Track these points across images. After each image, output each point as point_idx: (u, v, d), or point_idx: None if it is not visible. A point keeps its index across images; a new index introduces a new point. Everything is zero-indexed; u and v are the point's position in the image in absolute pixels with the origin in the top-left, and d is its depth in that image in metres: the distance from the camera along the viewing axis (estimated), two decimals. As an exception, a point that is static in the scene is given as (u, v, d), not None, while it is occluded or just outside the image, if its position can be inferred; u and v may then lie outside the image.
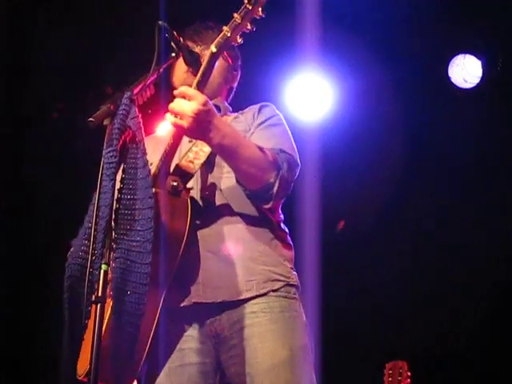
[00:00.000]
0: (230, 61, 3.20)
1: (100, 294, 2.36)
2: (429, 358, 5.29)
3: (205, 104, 2.66)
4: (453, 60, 5.35)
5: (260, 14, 2.75)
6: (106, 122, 2.53)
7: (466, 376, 5.33)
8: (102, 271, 2.38)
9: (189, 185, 2.86)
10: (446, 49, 5.37)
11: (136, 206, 2.51)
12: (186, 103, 2.65)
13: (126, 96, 2.59)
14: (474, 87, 5.33)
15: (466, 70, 5.33)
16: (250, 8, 2.74)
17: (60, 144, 5.58)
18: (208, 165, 2.94)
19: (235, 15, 2.75)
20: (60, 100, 5.69)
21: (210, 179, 2.95)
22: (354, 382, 5.38)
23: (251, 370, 2.78)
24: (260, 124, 3.06)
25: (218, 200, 2.92)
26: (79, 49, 5.35)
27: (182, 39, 3.01)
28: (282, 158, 2.91)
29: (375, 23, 5.28)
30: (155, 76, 2.78)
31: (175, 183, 2.80)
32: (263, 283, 2.87)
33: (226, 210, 2.91)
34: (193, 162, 2.89)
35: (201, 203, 2.89)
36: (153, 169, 2.81)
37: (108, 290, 2.42)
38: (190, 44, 3.18)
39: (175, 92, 2.71)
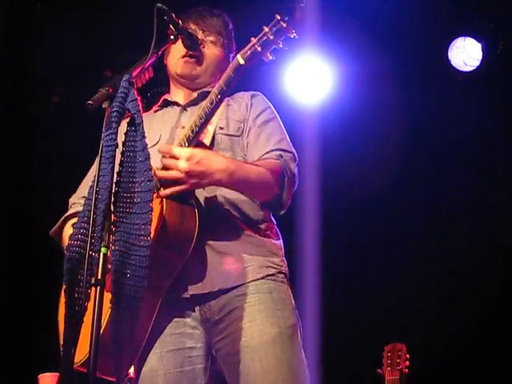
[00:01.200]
0: (226, 51, 3.21)
1: (99, 277, 2.36)
2: (428, 340, 5.30)
3: (191, 158, 2.69)
4: (453, 43, 5.33)
5: (294, 35, 2.71)
6: (104, 105, 2.53)
7: (466, 360, 5.34)
8: (101, 254, 2.38)
9: None
10: (445, 32, 5.36)
11: (135, 189, 2.51)
12: (176, 164, 2.69)
13: (124, 79, 2.58)
14: (474, 70, 5.31)
15: (466, 53, 5.31)
16: (285, 26, 2.70)
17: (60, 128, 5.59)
18: None
19: (266, 29, 2.72)
20: (60, 84, 5.69)
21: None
22: (353, 364, 5.40)
23: (240, 349, 2.81)
24: (256, 118, 3.09)
25: (217, 194, 2.95)
26: (78, 33, 5.34)
27: (181, 22, 3.00)
28: (285, 163, 2.97)
29: (375, 6, 5.26)
30: (154, 59, 2.77)
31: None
32: (258, 268, 2.92)
33: (224, 204, 2.95)
34: None
35: (201, 198, 2.93)
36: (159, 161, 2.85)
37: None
38: (193, 27, 3.18)
39: (160, 149, 2.75)
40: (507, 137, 5.33)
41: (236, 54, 3.11)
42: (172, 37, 2.95)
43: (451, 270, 5.49)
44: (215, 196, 2.95)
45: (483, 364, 5.31)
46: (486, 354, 5.30)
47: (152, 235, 2.69)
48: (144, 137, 2.59)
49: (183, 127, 3.06)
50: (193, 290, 2.87)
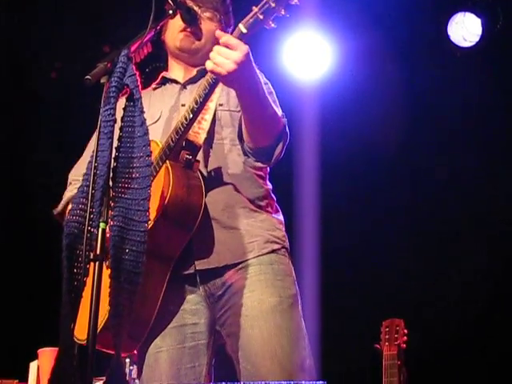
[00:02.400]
0: (223, 26, 3.19)
1: (98, 252, 2.37)
2: (426, 316, 5.32)
3: (247, 55, 2.65)
4: (452, 18, 5.31)
5: (296, 2, 2.67)
6: (103, 80, 2.52)
7: (464, 335, 5.37)
8: (100, 229, 2.38)
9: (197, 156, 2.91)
10: (445, 7, 5.33)
11: (134, 164, 2.51)
12: (230, 52, 2.64)
13: (123, 54, 2.57)
14: (474, 46, 5.29)
15: (465, 29, 5.29)
16: None
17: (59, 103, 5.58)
18: (208, 133, 2.97)
19: None
20: (58, 59, 5.68)
21: (211, 148, 2.99)
22: (351, 339, 5.42)
23: (241, 319, 2.84)
24: None
25: (220, 170, 2.96)
26: (77, 8, 5.32)
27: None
28: (285, 122, 2.96)
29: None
30: (152, 33, 2.75)
31: (189, 157, 2.84)
32: (264, 244, 2.95)
33: (227, 180, 2.96)
34: (198, 133, 2.92)
35: (205, 174, 2.94)
36: (161, 138, 2.88)
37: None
38: (189, 3, 3.15)
39: (221, 35, 2.68)
40: (507, 112, 5.32)
41: (229, 29, 3.13)
42: (170, 11, 2.93)
43: (451, 247, 5.49)
44: (219, 171, 2.96)
45: (481, 340, 5.33)
46: (484, 331, 5.32)
47: (159, 208, 2.71)
48: (142, 112, 2.59)
49: (183, 105, 3.05)
50: (199, 265, 2.89)
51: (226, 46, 2.65)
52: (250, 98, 2.79)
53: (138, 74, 2.62)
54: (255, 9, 2.70)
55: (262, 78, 3.10)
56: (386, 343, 4.28)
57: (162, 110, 3.11)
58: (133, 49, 2.65)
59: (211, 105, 2.98)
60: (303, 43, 5.51)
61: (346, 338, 5.48)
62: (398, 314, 4.42)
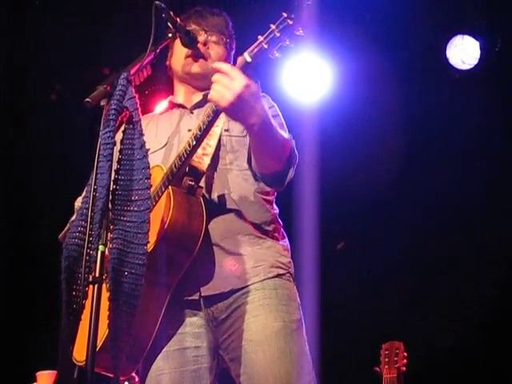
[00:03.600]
0: (229, 50, 3.21)
1: (97, 275, 2.36)
2: (425, 339, 5.30)
3: (247, 87, 2.65)
4: (451, 41, 5.33)
5: (301, 33, 2.71)
6: (102, 103, 2.53)
7: (463, 358, 5.35)
8: (99, 252, 2.38)
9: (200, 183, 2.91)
10: (444, 30, 5.35)
11: (133, 187, 2.51)
12: (230, 82, 2.65)
13: (122, 76, 2.58)
14: (472, 68, 5.31)
15: (464, 51, 5.31)
16: (291, 23, 2.69)
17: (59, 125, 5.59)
18: (213, 158, 2.98)
19: (272, 26, 2.70)
20: (58, 81, 5.69)
21: (216, 173, 2.99)
22: (351, 362, 5.41)
23: (245, 343, 2.83)
24: None
25: (225, 196, 2.97)
26: (77, 30, 5.34)
27: (179, 20, 3.00)
28: (293, 145, 2.97)
29: (373, 4, 5.25)
30: (152, 56, 2.77)
31: (192, 183, 2.84)
32: (269, 268, 2.94)
33: (231, 205, 2.96)
34: (202, 159, 2.93)
35: (210, 200, 2.94)
36: (168, 164, 2.88)
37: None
38: (194, 27, 3.17)
39: (219, 67, 2.69)
40: (505, 135, 5.33)
41: (235, 52, 3.14)
42: (170, 34, 2.95)
43: (450, 269, 5.49)
44: (224, 197, 2.96)
45: (481, 362, 5.31)
46: (484, 353, 5.31)
47: (159, 232, 2.71)
48: (142, 134, 2.59)
49: (190, 130, 3.05)
50: (205, 291, 2.89)
51: (228, 76, 2.66)
52: (255, 129, 2.77)
53: (137, 96, 2.63)
54: (261, 38, 2.72)
55: (268, 102, 3.11)
56: (386, 366, 4.27)
57: (168, 135, 3.12)
58: (132, 72, 2.66)
59: (216, 130, 2.99)
60: (302, 65, 5.53)
61: (345, 361, 5.46)
62: (397, 336, 4.41)
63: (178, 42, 3.14)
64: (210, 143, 2.94)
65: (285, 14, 2.71)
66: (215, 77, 2.68)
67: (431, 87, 5.46)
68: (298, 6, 2.70)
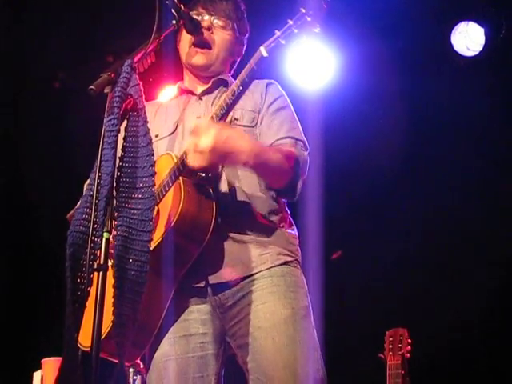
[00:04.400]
0: (237, 34, 3.19)
1: (102, 262, 2.37)
2: (430, 325, 5.31)
3: (219, 135, 2.67)
4: (455, 28, 5.31)
5: (318, 30, 2.71)
6: (106, 90, 2.53)
7: (467, 345, 5.36)
8: (103, 239, 2.39)
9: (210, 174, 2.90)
10: (448, 16, 5.33)
11: (137, 174, 2.52)
12: (201, 141, 2.66)
13: (126, 64, 2.58)
14: (477, 55, 5.29)
15: (468, 38, 5.29)
16: (309, 20, 2.70)
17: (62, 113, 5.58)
18: None
19: (290, 22, 2.70)
20: (61, 69, 5.69)
21: (226, 167, 2.99)
22: (355, 349, 5.41)
23: (254, 331, 2.83)
24: (269, 106, 3.09)
25: (234, 186, 2.97)
26: (80, 17, 5.33)
27: (182, 6, 2.98)
28: (299, 150, 2.98)
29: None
30: (156, 43, 2.76)
31: (203, 174, 2.83)
32: (277, 255, 2.95)
33: (240, 196, 2.96)
34: None
35: (219, 190, 2.94)
36: (175, 150, 2.90)
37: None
38: (201, 11, 3.15)
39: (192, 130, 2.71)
40: (509, 122, 5.32)
41: (244, 37, 3.18)
42: (174, 21, 2.94)
43: (454, 256, 5.49)
44: (233, 187, 2.96)
45: (485, 349, 5.32)
46: (487, 340, 5.31)
47: (169, 222, 2.73)
48: (146, 122, 2.60)
49: (199, 117, 3.06)
50: (212, 279, 2.89)
51: (196, 136, 2.67)
52: (250, 164, 2.79)
53: (141, 83, 2.62)
54: (278, 33, 2.72)
55: (275, 91, 3.12)
56: (390, 353, 4.28)
57: (177, 121, 3.11)
58: (136, 59, 2.66)
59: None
60: (307, 52, 5.51)
61: (349, 348, 5.47)
62: (401, 323, 4.42)
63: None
64: None
65: (303, 10, 2.71)
66: (188, 143, 2.71)
67: (436, 74, 5.44)
68: (316, 2, 2.70)
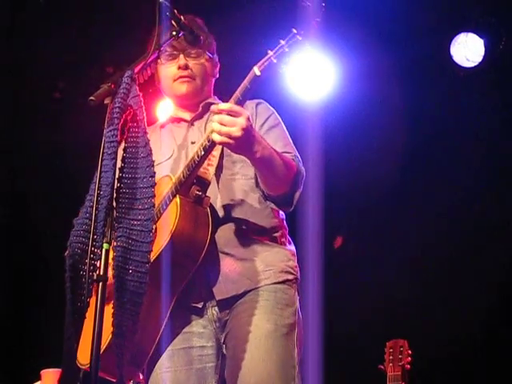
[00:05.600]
0: (210, 55, 3.23)
1: (102, 273, 2.37)
2: (430, 336, 5.30)
3: (249, 119, 2.72)
4: (455, 39, 5.32)
5: (308, 48, 2.75)
6: (106, 101, 2.53)
7: (467, 356, 5.35)
8: (103, 250, 2.39)
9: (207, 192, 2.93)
10: (447, 27, 5.34)
11: (137, 185, 2.52)
12: (235, 120, 2.68)
13: (126, 75, 2.58)
14: (477, 66, 5.30)
15: (468, 49, 5.30)
16: (300, 40, 2.75)
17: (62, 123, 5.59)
18: (218, 168, 3.01)
19: (282, 42, 2.75)
20: (61, 79, 5.69)
21: (222, 182, 3.02)
22: (355, 360, 5.40)
23: (236, 342, 2.86)
24: (261, 126, 3.12)
25: (233, 205, 2.99)
26: (80, 28, 5.34)
27: (182, 18, 2.99)
28: (297, 163, 3.01)
29: (377, 2, 5.24)
30: (156, 55, 2.77)
31: (199, 193, 2.87)
32: (279, 273, 2.97)
33: (238, 214, 2.98)
34: (207, 169, 2.95)
35: (217, 209, 2.96)
36: (177, 173, 2.90)
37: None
38: (174, 53, 3.18)
39: (221, 107, 2.72)
40: (509, 133, 5.32)
41: (215, 55, 3.22)
42: (174, 32, 2.94)
43: (454, 267, 5.48)
44: (232, 206, 2.98)
45: (485, 361, 5.31)
46: (487, 351, 5.30)
47: (165, 240, 2.75)
48: (146, 133, 2.61)
49: (193, 142, 3.10)
50: (218, 295, 2.91)
51: (230, 114, 2.69)
52: (257, 156, 2.82)
53: (141, 94, 2.63)
54: (270, 53, 2.77)
55: (266, 110, 3.16)
56: (390, 364, 4.27)
57: (173, 147, 3.14)
58: (136, 70, 2.66)
59: None
60: (306, 64, 5.51)
61: (350, 359, 5.46)
62: (402, 334, 4.41)
63: (161, 66, 3.20)
64: (213, 153, 2.95)
65: (294, 30, 2.76)
66: (217, 117, 2.71)
67: (435, 85, 5.45)
68: (307, 23, 2.74)
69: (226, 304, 2.93)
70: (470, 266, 5.41)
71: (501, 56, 5.22)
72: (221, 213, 2.96)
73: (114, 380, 2.63)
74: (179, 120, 3.26)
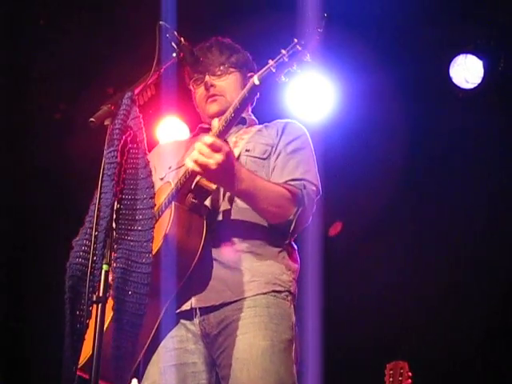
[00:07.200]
0: (239, 71, 3.23)
1: (101, 294, 2.36)
2: (430, 358, 5.28)
3: (228, 156, 2.71)
4: (454, 60, 5.34)
5: (308, 59, 2.75)
6: (106, 123, 2.54)
7: (468, 378, 5.33)
8: (103, 271, 2.39)
9: (206, 202, 2.92)
10: (447, 49, 5.37)
11: (137, 206, 2.53)
12: (213, 155, 2.69)
13: (126, 96, 2.59)
14: (476, 87, 5.32)
15: (467, 70, 5.32)
16: (300, 49, 2.74)
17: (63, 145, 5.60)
18: None
19: (283, 51, 2.76)
20: (62, 100, 5.71)
21: (224, 194, 3.00)
22: (355, 382, 5.38)
23: (232, 362, 2.82)
24: (287, 144, 3.11)
25: (230, 214, 2.97)
26: (80, 50, 5.36)
27: (183, 40, 3.00)
28: (305, 193, 2.99)
29: (377, 23, 5.27)
30: (156, 76, 2.78)
31: (195, 201, 2.86)
32: (264, 284, 2.92)
33: (237, 225, 2.97)
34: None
35: (214, 217, 2.94)
36: (174, 180, 2.91)
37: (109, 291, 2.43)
38: (196, 76, 3.23)
39: (206, 141, 2.72)
40: (508, 154, 5.33)
41: (246, 69, 3.24)
42: (174, 54, 2.96)
43: (453, 288, 5.47)
44: (233, 216, 2.97)
45: (485, 382, 5.29)
46: (488, 374, 5.29)
47: (158, 246, 2.71)
48: (146, 154, 2.61)
49: None
50: (195, 303, 2.89)
51: (210, 148, 2.70)
52: (237, 193, 2.86)
53: (141, 116, 2.64)
54: (271, 62, 2.77)
55: (294, 131, 3.14)
56: (391, 386, 4.24)
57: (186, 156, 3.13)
58: (137, 91, 2.67)
59: (236, 150, 3.01)
60: (306, 84, 5.53)
61: (349, 381, 5.44)
62: (402, 356, 4.39)
63: (195, 94, 3.26)
64: None
65: (295, 40, 2.76)
66: (198, 146, 2.73)
67: (435, 106, 5.46)
68: (309, 33, 2.74)
69: (204, 312, 2.88)
70: (472, 286, 5.40)
71: (500, 77, 5.23)
72: (220, 222, 2.94)
73: None
74: (207, 130, 3.23)
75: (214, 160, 2.69)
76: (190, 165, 2.73)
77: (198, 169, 2.72)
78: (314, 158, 3.15)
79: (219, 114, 3.14)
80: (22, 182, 5.69)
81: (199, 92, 3.25)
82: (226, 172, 2.74)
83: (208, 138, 2.73)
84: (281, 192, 2.92)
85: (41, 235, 5.69)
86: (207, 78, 3.21)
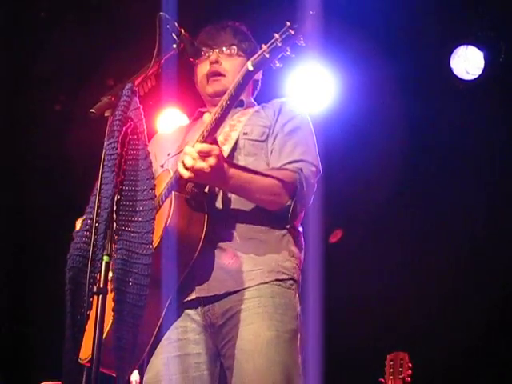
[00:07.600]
0: (245, 55, 3.22)
1: (101, 285, 2.37)
2: (430, 349, 5.29)
3: (218, 158, 2.70)
4: (455, 51, 5.33)
5: (302, 43, 2.73)
6: (107, 114, 2.54)
7: (468, 369, 5.34)
8: (103, 262, 2.39)
9: (206, 189, 2.91)
10: (447, 40, 5.36)
11: (137, 198, 2.52)
12: (206, 159, 2.68)
13: (127, 87, 2.59)
14: (476, 79, 5.31)
15: (468, 62, 5.31)
16: (293, 33, 2.71)
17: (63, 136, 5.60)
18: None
19: (276, 36, 2.73)
20: (62, 92, 5.71)
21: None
22: (355, 373, 5.39)
23: (237, 352, 2.81)
24: (284, 125, 3.09)
25: (232, 201, 2.95)
26: (81, 41, 5.35)
27: (183, 30, 3.00)
28: (302, 176, 2.95)
29: (377, 15, 5.26)
30: (156, 67, 2.77)
31: (195, 189, 2.85)
32: (267, 272, 2.90)
33: (239, 211, 2.95)
34: None
35: (215, 204, 2.93)
36: (173, 168, 2.88)
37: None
38: (204, 49, 3.20)
39: (198, 148, 2.71)
40: (509, 145, 5.33)
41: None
42: (174, 45, 2.95)
43: (454, 279, 5.47)
44: (235, 202, 2.95)
45: (486, 374, 5.29)
46: (487, 363, 5.29)
47: (159, 236, 2.71)
48: (146, 145, 2.61)
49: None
50: (198, 292, 2.88)
51: (200, 155, 2.70)
52: (230, 190, 2.87)
53: (141, 107, 2.63)
54: (264, 47, 2.74)
55: (288, 112, 3.11)
56: (391, 377, 4.25)
57: (187, 141, 3.11)
58: (137, 82, 2.67)
59: (233, 134, 3.00)
60: (306, 76, 5.53)
61: (350, 372, 5.44)
62: (402, 347, 4.39)
63: (197, 67, 3.24)
64: (224, 148, 2.92)
65: (288, 23, 2.72)
66: (188, 151, 2.73)
67: (435, 97, 5.46)
68: (301, 16, 2.71)
69: (208, 302, 2.87)
70: (471, 279, 5.40)
71: (500, 68, 5.23)
72: (220, 210, 2.93)
73: (114, 374, 2.62)
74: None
75: (206, 164, 2.69)
76: (185, 174, 2.73)
77: (192, 175, 2.72)
78: (312, 137, 3.13)
79: (217, 95, 3.12)
80: (22, 174, 5.70)
81: (202, 67, 3.23)
82: (218, 173, 2.73)
83: (198, 145, 2.72)
84: (272, 180, 2.89)
85: (41, 235, 5.68)
86: (214, 53, 3.20)
